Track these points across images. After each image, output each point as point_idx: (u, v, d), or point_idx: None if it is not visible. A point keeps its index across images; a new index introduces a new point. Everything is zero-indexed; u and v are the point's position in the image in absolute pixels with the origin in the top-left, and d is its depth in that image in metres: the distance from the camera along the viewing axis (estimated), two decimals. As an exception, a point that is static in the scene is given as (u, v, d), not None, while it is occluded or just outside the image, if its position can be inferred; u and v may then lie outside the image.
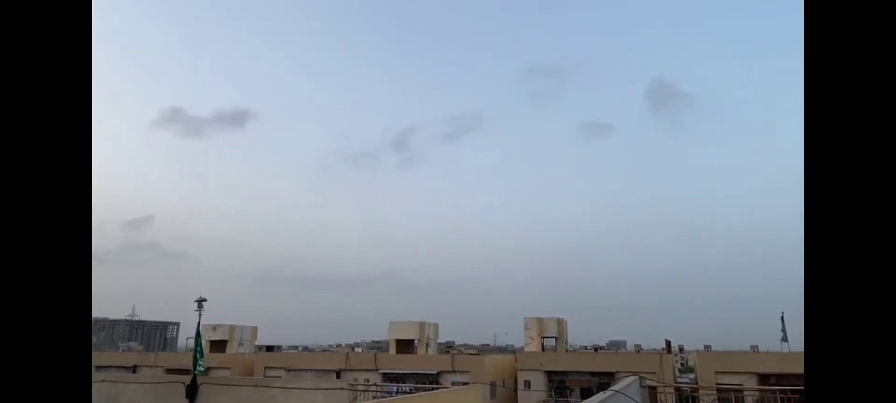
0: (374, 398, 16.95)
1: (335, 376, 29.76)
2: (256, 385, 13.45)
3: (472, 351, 47.06)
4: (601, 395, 7.49)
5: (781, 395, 16.34)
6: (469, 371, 28.50)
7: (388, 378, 29.58)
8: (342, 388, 13.28)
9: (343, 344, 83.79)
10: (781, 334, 30.11)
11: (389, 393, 21.96)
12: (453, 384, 27.36)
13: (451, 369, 29.50)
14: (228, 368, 31.89)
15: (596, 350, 47.67)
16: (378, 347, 62.82)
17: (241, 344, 38.86)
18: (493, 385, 29.31)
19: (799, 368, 23.87)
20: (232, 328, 38.78)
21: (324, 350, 58.29)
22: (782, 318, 30.67)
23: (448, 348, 58.52)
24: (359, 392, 13.58)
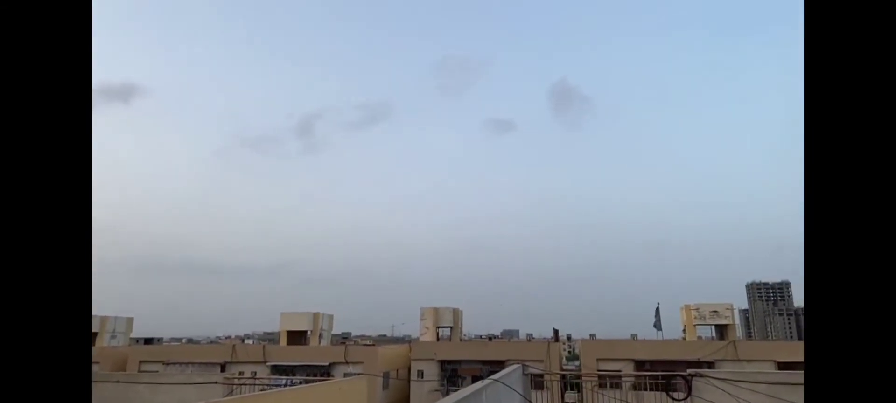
0: (260, 391, 16.15)
1: (220, 369, 28.17)
2: (119, 381, 12.26)
3: (368, 342, 46.59)
4: (479, 384, 7.44)
5: (651, 380, 17.46)
6: (362, 362, 28.08)
7: (278, 370, 28.48)
8: (215, 382, 12.42)
9: (233, 336, 79.92)
10: (655, 320, 32.46)
11: (277, 386, 21.07)
12: (346, 375, 26.86)
13: (343, 360, 28.92)
14: (97, 363, 29.18)
15: (490, 339, 48.90)
16: (270, 339, 60.48)
17: (113, 337, 35.73)
18: (386, 375, 29.10)
19: (670, 354, 25.83)
20: (103, 319, 35.56)
21: (211, 343, 55.20)
22: (657, 309, 33.06)
23: (343, 339, 57.55)
24: (235, 386, 12.79)
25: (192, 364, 28.85)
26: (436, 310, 35.16)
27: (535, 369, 13.54)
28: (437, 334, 35.08)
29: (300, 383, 21.16)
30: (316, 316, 34.51)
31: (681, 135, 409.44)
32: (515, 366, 11.16)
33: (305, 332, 34.27)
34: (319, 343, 34.18)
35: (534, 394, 18.43)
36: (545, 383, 23.87)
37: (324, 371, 28.27)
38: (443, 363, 28.84)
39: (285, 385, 22.74)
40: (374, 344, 38.44)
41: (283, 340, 33.94)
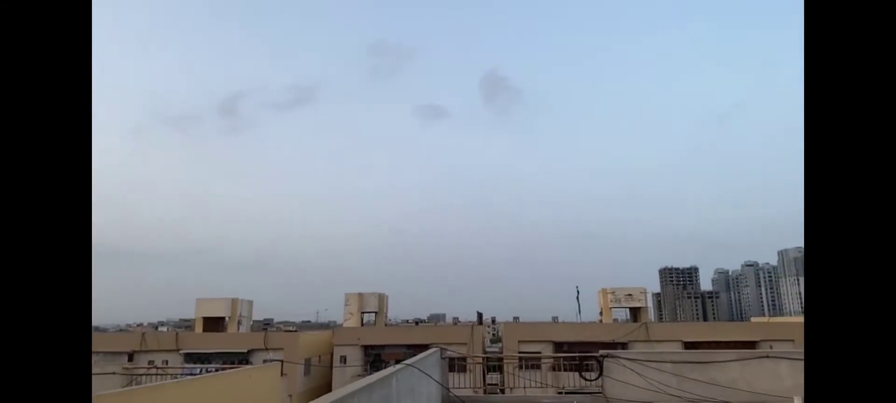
0: (172, 379, 15.23)
1: (127, 359, 26.51)
2: None
3: (290, 329, 45.42)
4: (390, 369, 7.27)
5: (566, 361, 17.99)
6: (283, 349, 27.31)
7: (192, 358, 27.17)
8: (113, 373, 11.56)
9: (145, 324, 75.74)
10: (577, 306, 33.62)
11: (190, 375, 20.04)
12: (265, 362, 26.01)
13: (263, 347, 28.03)
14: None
15: (416, 323, 49.01)
16: (186, 326, 57.75)
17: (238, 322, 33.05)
18: (307, 361, 28.45)
19: (587, 336, 26.76)
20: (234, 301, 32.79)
21: (120, 331, 52.02)
22: (577, 292, 34.24)
23: (265, 326, 55.87)
24: (137, 376, 11.94)
25: (95, 353, 26.99)
26: (361, 296, 34.73)
27: (454, 352, 13.54)
28: (362, 319, 34.69)
29: (216, 371, 20.24)
30: (234, 301, 33.18)
31: (606, 128, 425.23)
32: (432, 350, 11.08)
33: (223, 319, 32.88)
34: (238, 329, 32.92)
35: (455, 377, 18.55)
36: (468, 365, 24.15)
37: (242, 359, 27.26)
38: (366, 348, 28.54)
39: (199, 373, 21.70)
40: (296, 331, 37.48)
41: (199, 327, 32.41)
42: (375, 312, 35.38)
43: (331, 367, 28.50)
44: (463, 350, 26.51)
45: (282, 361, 26.77)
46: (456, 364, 22.00)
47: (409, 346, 27.96)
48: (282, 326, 62.18)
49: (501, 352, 28.19)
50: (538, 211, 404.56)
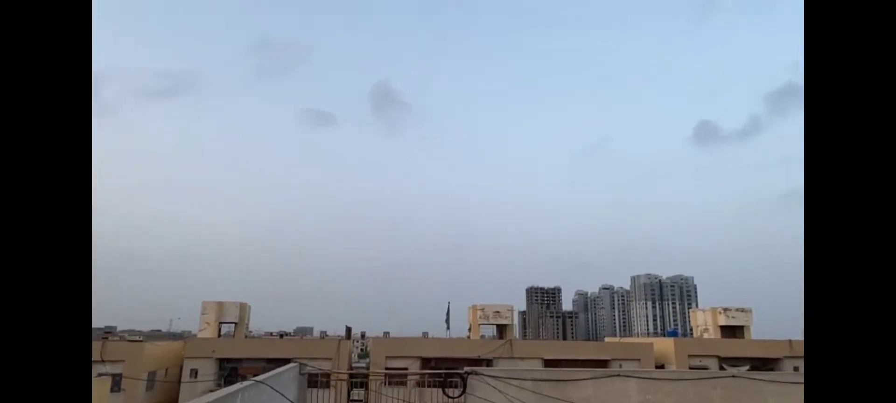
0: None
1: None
2: None
3: (135, 338, 41.04)
4: (236, 386, 6.49)
5: (431, 377, 17.82)
6: (124, 361, 24.45)
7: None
8: None
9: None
10: (446, 319, 33.84)
11: None
12: (101, 375, 23.07)
13: (100, 359, 24.89)
14: None
15: (281, 336, 46.66)
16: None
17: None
18: (152, 375, 25.74)
19: (455, 352, 26.93)
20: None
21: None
22: (448, 308, 34.50)
23: (106, 334, 50.13)
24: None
25: None
26: (220, 304, 32.23)
27: (314, 368, 12.77)
28: (220, 330, 32.20)
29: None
30: (68, 306, 29.26)
31: (488, 152, 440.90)
32: (289, 365, 10.29)
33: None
34: (70, 338, 29.04)
35: (316, 394, 17.59)
36: (332, 382, 23.17)
37: (71, 372, 24.01)
38: (222, 361, 26.43)
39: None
40: (141, 341, 33.89)
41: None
42: (235, 323, 33.02)
43: (179, 382, 25.98)
44: (328, 366, 25.46)
45: (120, 375, 23.94)
46: (319, 381, 20.99)
47: (269, 360, 26.29)
48: (125, 335, 56.18)
49: (368, 368, 27.50)
50: (417, 227, 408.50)
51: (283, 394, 8.00)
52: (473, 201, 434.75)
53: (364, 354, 48.72)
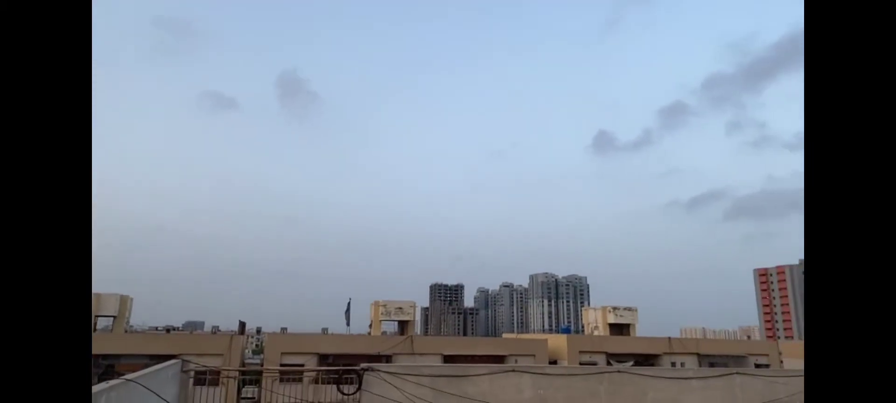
0: None
1: None
2: None
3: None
4: (103, 385, 5.87)
5: (329, 374, 17.37)
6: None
7: None
8: None
9: None
10: (346, 318, 33.25)
11: None
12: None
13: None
14: None
15: (167, 331, 43.71)
16: None
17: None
18: None
19: (354, 348, 26.49)
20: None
21: None
22: (349, 304, 33.93)
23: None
24: None
25: None
26: (98, 296, 29.61)
27: (200, 365, 11.98)
28: (96, 324, 29.57)
29: None
30: None
31: (395, 146, 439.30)
32: (170, 363, 9.54)
33: None
34: None
35: (204, 392, 16.56)
36: (221, 379, 21.94)
37: None
38: (98, 357, 24.23)
39: None
40: None
41: None
42: (114, 316, 30.46)
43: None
44: (218, 363, 24.12)
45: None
46: (207, 379, 19.81)
47: (153, 357, 24.46)
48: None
49: (261, 364, 26.39)
50: (322, 221, 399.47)
51: (157, 394, 7.36)
52: (380, 198, 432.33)
53: (258, 350, 46.81)
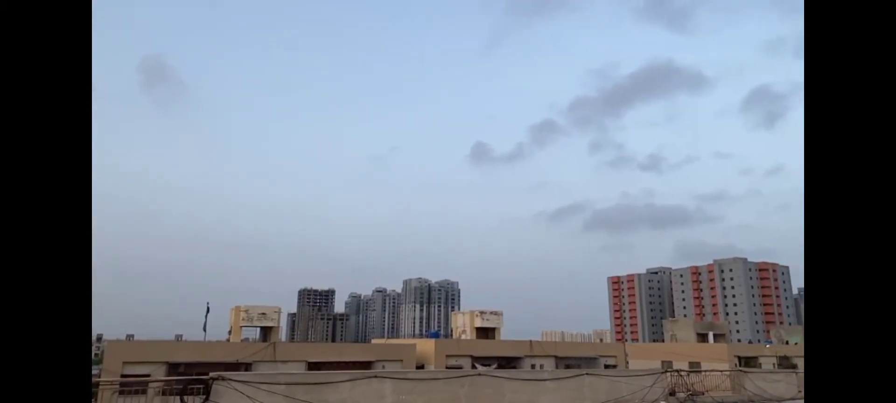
0: None
1: None
2: None
3: None
4: None
5: (177, 384, 15.98)
6: None
7: None
8: None
9: None
10: (204, 322, 30.90)
11: None
12: None
13: None
14: None
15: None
16: None
17: None
18: None
19: (211, 356, 24.63)
20: None
21: None
22: (207, 309, 31.60)
23: None
24: None
25: None
26: None
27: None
28: None
29: None
30: None
31: (266, 146, 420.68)
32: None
33: None
34: None
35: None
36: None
37: None
38: None
39: None
40: None
41: None
42: None
43: None
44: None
45: None
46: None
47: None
48: None
49: (99, 375, 23.65)
50: (182, 220, 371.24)
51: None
52: (254, 197, 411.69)
53: (98, 360, 42.10)
